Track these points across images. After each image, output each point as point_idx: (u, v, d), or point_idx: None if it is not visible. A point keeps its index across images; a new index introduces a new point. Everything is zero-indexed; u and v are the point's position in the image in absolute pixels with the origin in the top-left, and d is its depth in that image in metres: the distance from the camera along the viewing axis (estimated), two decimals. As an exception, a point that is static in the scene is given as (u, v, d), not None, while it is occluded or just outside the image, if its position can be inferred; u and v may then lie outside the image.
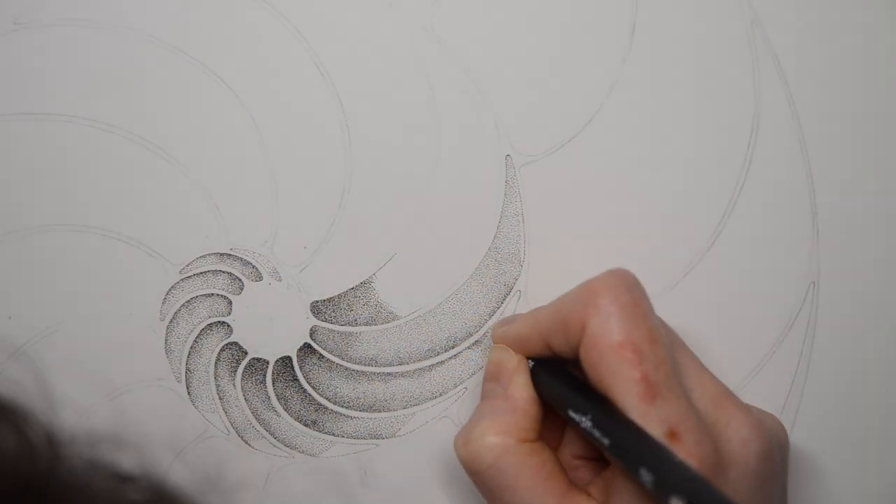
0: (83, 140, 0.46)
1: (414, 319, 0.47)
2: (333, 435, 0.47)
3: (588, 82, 0.46)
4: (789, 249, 0.46)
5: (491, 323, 0.47)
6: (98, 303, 0.46)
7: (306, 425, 0.47)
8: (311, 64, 0.46)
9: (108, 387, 0.46)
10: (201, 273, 0.46)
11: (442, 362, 0.47)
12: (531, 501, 0.41)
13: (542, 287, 0.46)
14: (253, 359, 0.47)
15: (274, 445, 0.47)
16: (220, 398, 0.47)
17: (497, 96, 0.46)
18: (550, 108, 0.46)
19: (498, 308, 0.47)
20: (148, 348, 0.46)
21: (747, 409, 0.41)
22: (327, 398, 0.47)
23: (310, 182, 0.46)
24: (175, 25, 0.45)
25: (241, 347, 0.47)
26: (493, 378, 0.44)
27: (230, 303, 0.47)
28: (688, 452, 0.38)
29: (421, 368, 0.47)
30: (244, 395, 0.47)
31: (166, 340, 0.47)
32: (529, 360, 0.44)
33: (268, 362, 0.47)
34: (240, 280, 0.47)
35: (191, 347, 0.47)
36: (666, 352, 0.40)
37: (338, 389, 0.47)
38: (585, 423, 0.40)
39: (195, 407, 0.47)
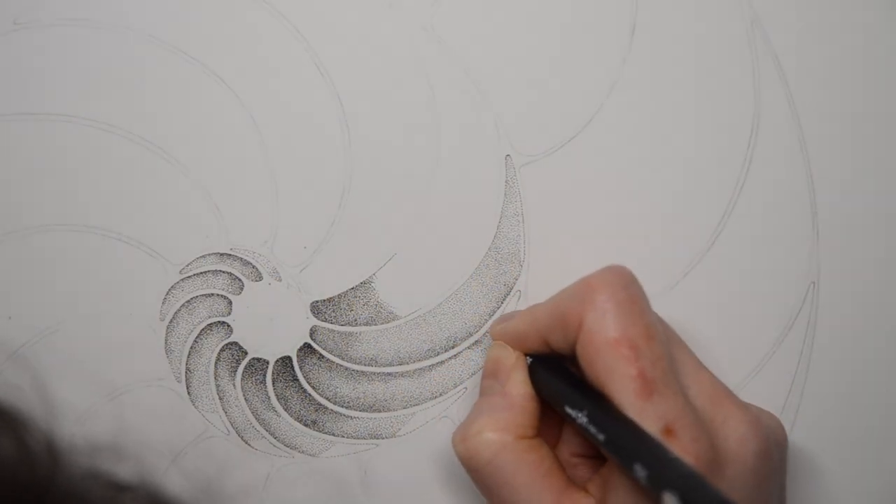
0: (83, 140, 0.46)
1: (414, 319, 0.47)
2: (333, 435, 0.47)
3: (588, 82, 0.46)
4: (789, 249, 0.46)
5: (491, 322, 0.47)
6: (98, 303, 0.46)
7: (306, 425, 0.47)
8: (311, 64, 0.46)
9: (108, 387, 0.46)
10: (201, 273, 0.46)
11: (442, 362, 0.47)
12: (529, 498, 0.41)
13: (542, 287, 0.46)
14: (253, 359, 0.47)
15: (274, 445, 0.47)
16: (220, 398, 0.47)
17: (497, 96, 0.46)
18: (550, 108, 0.46)
19: (498, 308, 0.47)
20: (148, 348, 0.46)
21: (745, 407, 0.41)
22: (327, 398, 0.47)
23: (310, 182, 0.46)
24: (175, 25, 0.45)
25: (241, 347, 0.47)
26: (491, 375, 0.44)
27: (230, 303, 0.47)
28: (684, 449, 0.38)
29: (421, 368, 0.47)
30: (244, 395, 0.47)
31: (166, 340, 0.47)
32: (527, 357, 0.44)
33: (268, 362, 0.47)
34: (240, 280, 0.47)
35: (191, 347, 0.47)
36: (662, 348, 0.40)
37: (338, 389, 0.47)
38: (581, 419, 0.40)
39: (195, 407, 0.47)
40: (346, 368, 0.47)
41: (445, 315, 0.47)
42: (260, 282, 0.47)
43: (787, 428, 0.45)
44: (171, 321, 0.46)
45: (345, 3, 0.46)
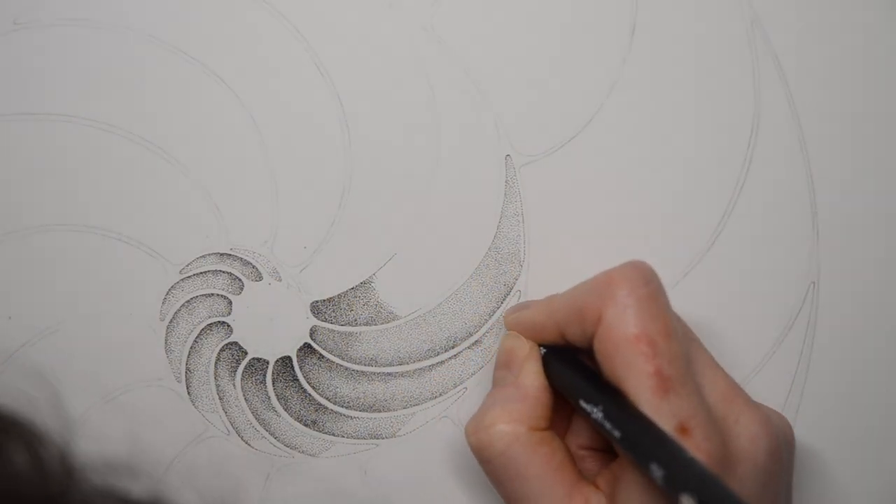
0: (83, 140, 0.46)
1: (414, 319, 0.47)
2: (333, 435, 0.47)
3: (588, 82, 0.46)
4: (789, 249, 0.46)
5: (491, 323, 0.47)
6: (98, 303, 0.46)
7: (306, 425, 0.47)
8: (311, 64, 0.46)
9: (108, 387, 0.46)
10: (201, 273, 0.46)
11: (442, 362, 0.47)
12: (541, 490, 0.41)
13: (542, 287, 0.46)
14: (253, 359, 0.47)
15: (274, 445, 0.47)
16: (220, 398, 0.47)
17: (497, 96, 0.46)
18: (550, 108, 0.46)
19: (498, 308, 0.47)
20: (148, 348, 0.46)
21: (756, 407, 0.41)
22: (327, 398, 0.47)
23: (310, 182, 0.46)
24: (175, 25, 0.45)
25: (241, 347, 0.47)
26: (504, 366, 0.44)
27: (230, 303, 0.47)
28: (697, 447, 0.38)
29: (421, 368, 0.47)
30: (244, 395, 0.47)
31: (166, 340, 0.47)
32: (541, 348, 0.43)
33: (268, 362, 0.47)
34: (240, 280, 0.47)
35: (191, 347, 0.47)
36: (680, 346, 0.40)
37: (338, 389, 0.47)
38: (597, 414, 0.39)
39: (195, 407, 0.47)
40: (346, 368, 0.47)
41: (445, 315, 0.47)
42: (260, 282, 0.47)
43: (786, 428, 0.45)
44: (171, 321, 0.46)
45: (345, 3, 0.46)
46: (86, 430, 0.46)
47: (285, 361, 0.47)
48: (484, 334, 0.47)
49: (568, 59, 0.46)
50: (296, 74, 0.46)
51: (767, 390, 0.46)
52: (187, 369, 0.47)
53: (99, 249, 0.46)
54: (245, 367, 0.47)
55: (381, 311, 0.47)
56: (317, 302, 0.47)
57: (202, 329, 0.47)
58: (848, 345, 0.47)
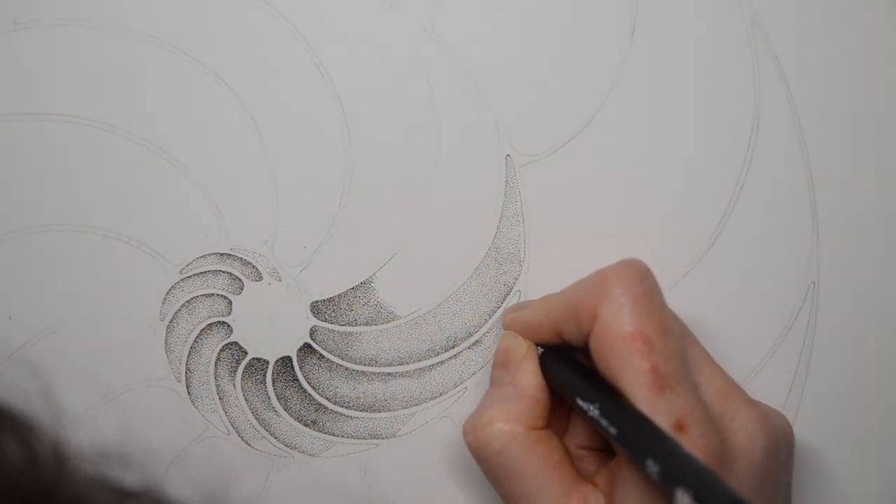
0: (83, 140, 0.46)
1: (414, 319, 0.47)
2: (333, 435, 0.47)
3: (588, 82, 0.46)
4: (789, 249, 0.46)
5: (491, 323, 0.47)
6: (98, 303, 0.46)
7: (306, 425, 0.47)
8: (311, 64, 0.46)
9: (108, 387, 0.46)
10: (201, 273, 0.46)
11: (442, 362, 0.47)
12: (538, 489, 0.41)
13: (542, 287, 0.46)
14: (253, 359, 0.47)
15: (274, 445, 0.47)
16: (220, 398, 0.47)
17: (497, 96, 0.46)
18: (550, 108, 0.46)
19: (498, 308, 0.47)
20: (148, 348, 0.46)
21: (754, 404, 0.41)
22: (327, 398, 0.47)
23: (310, 182, 0.46)
24: (175, 25, 0.45)
25: (241, 347, 0.47)
26: (501, 365, 0.44)
27: (230, 303, 0.47)
28: (693, 444, 0.38)
29: (421, 368, 0.47)
30: (244, 395, 0.47)
31: (166, 340, 0.47)
32: (539, 348, 0.43)
33: (268, 362, 0.47)
34: (240, 280, 0.47)
35: (191, 347, 0.47)
36: (676, 344, 0.40)
37: (338, 389, 0.47)
38: (593, 411, 0.40)
39: (195, 407, 0.47)
40: (346, 368, 0.47)
41: (445, 315, 0.47)
42: (260, 282, 0.47)
43: (787, 428, 0.45)
44: (171, 321, 0.46)
45: (345, 3, 0.45)
46: (86, 430, 0.46)
47: (285, 361, 0.47)
48: (484, 334, 0.47)
49: (568, 59, 0.46)
50: (296, 74, 0.46)
51: (767, 390, 0.46)
52: (187, 369, 0.47)
53: (99, 249, 0.46)
54: (245, 367, 0.47)
55: (381, 311, 0.47)
56: (317, 302, 0.47)
57: (202, 329, 0.47)
58: (848, 345, 0.47)
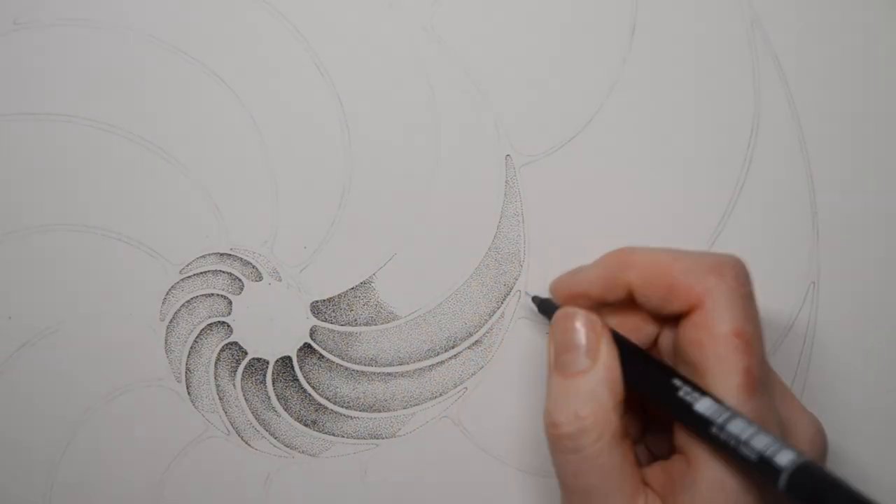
0: (83, 140, 0.46)
1: (414, 319, 0.47)
2: (333, 435, 0.47)
3: (588, 82, 0.46)
4: (789, 249, 0.46)
5: (492, 323, 0.47)
6: (98, 303, 0.46)
7: (306, 425, 0.47)
8: (311, 64, 0.46)
9: (108, 387, 0.46)
10: (201, 273, 0.46)
11: (442, 362, 0.47)
12: (614, 487, 0.39)
13: (542, 287, 0.46)
14: (253, 359, 0.47)
15: (274, 445, 0.47)
16: (220, 398, 0.47)
17: (497, 96, 0.46)
18: (550, 108, 0.46)
19: (498, 308, 0.47)
20: (148, 348, 0.46)
21: (806, 410, 0.42)
22: (327, 398, 0.47)
23: (310, 182, 0.46)
24: (175, 25, 0.45)
25: (241, 347, 0.47)
26: (571, 348, 0.41)
27: (230, 303, 0.47)
28: None
29: (421, 368, 0.47)
30: (244, 395, 0.47)
31: (166, 340, 0.47)
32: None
33: (268, 362, 0.47)
34: (240, 280, 0.47)
35: (191, 347, 0.47)
36: (764, 351, 0.40)
37: (338, 389, 0.47)
38: (697, 399, 0.38)
39: (195, 407, 0.47)
40: (346, 368, 0.47)
41: (445, 315, 0.47)
42: (260, 282, 0.47)
43: (787, 428, 0.45)
44: (171, 321, 0.46)
45: (345, 3, 0.46)
46: (86, 430, 0.46)
47: (285, 361, 0.47)
48: (484, 334, 0.47)
49: (568, 59, 0.46)
50: (296, 74, 0.46)
51: (767, 390, 0.46)
52: (187, 369, 0.47)
53: (99, 249, 0.46)
54: (245, 367, 0.47)
55: (381, 311, 0.47)
56: (317, 302, 0.47)
57: (202, 329, 0.47)
58: (848, 345, 0.47)
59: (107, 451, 0.46)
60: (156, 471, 0.46)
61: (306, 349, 0.47)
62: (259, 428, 0.47)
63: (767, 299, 0.47)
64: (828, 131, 0.46)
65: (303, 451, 0.47)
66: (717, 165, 0.46)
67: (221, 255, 0.46)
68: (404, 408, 0.47)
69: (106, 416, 0.46)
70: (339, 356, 0.47)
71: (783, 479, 0.36)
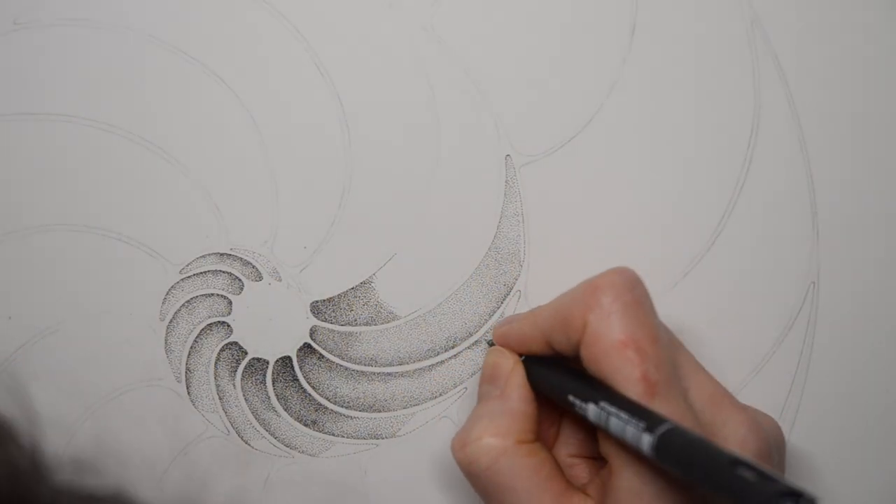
0: (83, 140, 0.46)
1: (414, 319, 0.47)
2: (333, 435, 0.47)
3: (588, 82, 0.46)
4: (789, 249, 0.46)
5: (491, 322, 0.47)
6: (98, 303, 0.46)
7: (306, 425, 0.47)
8: (311, 64, 0.46)
9: (108, 387, 0.46)
10: (201, 273, 0.46)
11: (442, 362, 0.47)
12: (529, 502, 0.41)
13: (542, 287, 0.46)
14: (253, 359, 0.47)
15: (274, 445, 0.47)
16: (220, 398, 0.47)
17: (497, 96, 0.46)
18: (550, 108, 0.46)
19: (498, 308, 0.47)
20: (148, 348, 0.46)
21: (744, 409, 0.41)
22: (327, 398, 0.47)
23: (310, 182, 0.46)
24: (175, 25, 0.45)
25: (241, 347, 0.47)
26: (489, 380, 0.44)
27: (230, 303, 0.47)
28: None
29: (421, 368, 0.47)
30: (244, 395, 0.47)
31: (166, 340, 0.47)
32: (521, 357, 0.44)
33: (268, 362, 0.47)
34: (240, 280, 0.47)
35: (191, 347, 0.47)
36: (666, 352, 0.40)
37: (338, 389, 0.47)
38: (586, 407, 0.39)
39: (195, 407, 0.47)
40: (346, 368, 0.47)
41: (445, 315, 0.47)
42: (260, 282, 0.47)
43: (786, 428, 0.45)
44: (171, 321, 0.46)
45: (345, 3, 0.46)
46: (86, 430, 0.46)
47: (285, 361, 0.47)
48: (484, 334, 0.47)
49: (568, 59, 0.46)
50: (296, 74, 0.46)
51: (767, 390, 0.46)
52: (187, 369, 0.47)
53: (99, 249, 0.46)
54: (245, 367, 0.47)
55: (381, 311, 0.47)
56: (317, 302, 0.47)
57: (202, 329, 0.47)
58: (848, 345, 0.47)
59: (107, 450, 0.46)
60: (156, 471, 0.46)
61: (306, 349, 0.47)
62: (259, 428, 0.47)
63: (767, 299, 0.47)
64: (828, 131, 0.46)
65: (303, 451, 0.47)
66: (717, 165, 0.46)
67: (221, 255, 0.46)
68: (404, 408, 0.47)
69: (106, 416, 0.46)
70: (339, 356, 0.47)
71: (647, 442, 0.36)
